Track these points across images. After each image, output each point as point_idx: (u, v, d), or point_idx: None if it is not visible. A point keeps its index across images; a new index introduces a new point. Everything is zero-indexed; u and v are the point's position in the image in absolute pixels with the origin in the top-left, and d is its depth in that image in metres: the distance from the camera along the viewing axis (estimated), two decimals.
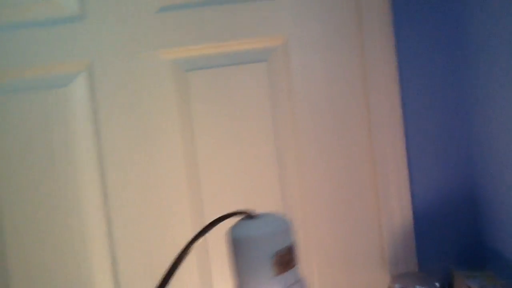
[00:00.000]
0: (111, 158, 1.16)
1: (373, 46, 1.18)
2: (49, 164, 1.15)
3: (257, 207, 1.12)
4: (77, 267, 1.16)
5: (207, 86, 1.18)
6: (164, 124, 1.17)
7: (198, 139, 1.18)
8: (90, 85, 1.16)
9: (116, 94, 1.16)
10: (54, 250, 1.16)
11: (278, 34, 1.18)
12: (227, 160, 1.19)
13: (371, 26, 1.18)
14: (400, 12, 1.18)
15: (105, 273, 1.17)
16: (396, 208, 1.21)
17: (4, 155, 1.15)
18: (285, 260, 0.49)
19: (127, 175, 1.16)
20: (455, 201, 1.22)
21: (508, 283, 1.06)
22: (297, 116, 1.20)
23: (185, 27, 1.16)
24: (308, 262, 1.21)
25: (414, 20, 1.19)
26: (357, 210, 1.22)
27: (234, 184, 1.19)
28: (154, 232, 1.17)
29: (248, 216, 0.51)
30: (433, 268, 1.21)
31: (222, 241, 1.08)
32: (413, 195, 1.21)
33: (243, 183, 1.19)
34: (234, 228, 0.50)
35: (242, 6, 1.17)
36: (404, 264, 1.21)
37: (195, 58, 1.18)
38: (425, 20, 1.19)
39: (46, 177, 1.15)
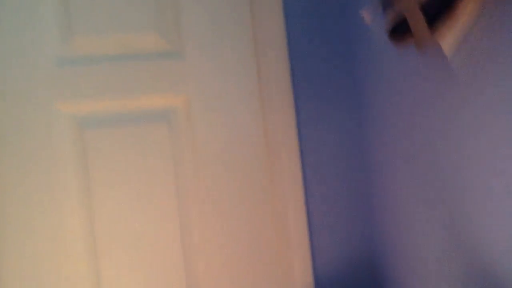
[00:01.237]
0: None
1: (273, 107, 1.20)
2: None
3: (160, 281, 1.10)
4: None
5: (107, 145, 1.14)
6: (61, 178, 1.12)
7: (95, 195, 1.13)
8: None
9: (9, 145, 1.09)
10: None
11: (181, 93, 1.17)
12: (127, 226, 1.14)
13: (270, 88, 1.20)
14: (299, 77, 1.22)
15: None
16: (298, 279, 1.20)
17: None
18: None
19: (23, 245, 1.09)
20: (355, 275, 1.23)
21: None
22: (200, 176, 1.18)
23: (87, 81, 1.13)
24: None
25: (313, 86, 1.22)
26: (260, 279, 1.20)
27: (134, 253, 1.14)
28: None
29: None
30: None
31: None
32: (315, 267, 1.21)
33: (144, 253, 1.14)
34: None
35: (144, 63, 1.15)
36: None
37: (95, 114, 1.14)
38: (324, 82, 1.22)
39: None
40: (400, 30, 0.78)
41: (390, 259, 1.18)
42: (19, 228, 1.09)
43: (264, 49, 1.21)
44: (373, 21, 1.03)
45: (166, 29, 1.17)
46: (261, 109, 1.20)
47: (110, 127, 1.14)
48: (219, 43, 1.19)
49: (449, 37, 0.72)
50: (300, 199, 1.20)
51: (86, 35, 1.13)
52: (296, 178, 1.21)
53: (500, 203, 0.74)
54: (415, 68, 0.93)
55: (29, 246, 1.09)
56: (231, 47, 1.19)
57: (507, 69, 0.68)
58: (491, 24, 0.70)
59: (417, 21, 0.74)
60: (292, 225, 1.19)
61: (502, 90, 0.69)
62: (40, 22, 1.11)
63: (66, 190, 1.11)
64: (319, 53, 1.23)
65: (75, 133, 1.13)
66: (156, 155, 1.16)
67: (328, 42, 1.23)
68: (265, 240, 1.20)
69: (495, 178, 0.74)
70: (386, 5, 0.80)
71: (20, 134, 1.10)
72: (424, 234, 1.01)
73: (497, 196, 0.74)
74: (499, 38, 0.69)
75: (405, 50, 0.94)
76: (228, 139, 1.19)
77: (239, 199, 1.19)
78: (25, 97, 1.10)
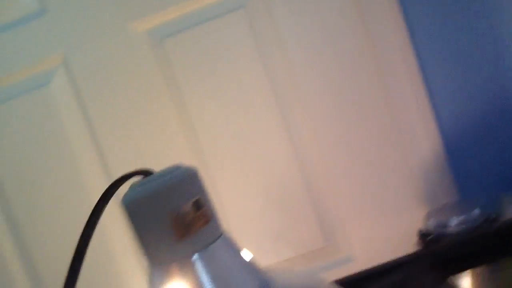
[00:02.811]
0: (106, 142, 1.12)
1: None
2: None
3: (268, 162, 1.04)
4: None
5: (188, 49, 1.10)
6: (153, 97, 1.11)
7: (190, 106, 1.11)
8: (69, 77, 1.12)
9: (96, 78, 1.11)
10: None
11: None
12: (226, 123, 1.11)
13: None
14: None
15: None
16: (422, 137, 1.06)
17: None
18: (189, 219, 0.40)
19: (125, 150, 1.11)
20: (488, 117, 1.04)
21: None
22: (293, 61, 1.08)
23: None
24: (338, 212, 1.10)
25: None
26: (379, 149, 1.08)
27: (236, 141, 1.11)
28: None
29: (145, 174, 0.43)
30: (476, 196, 1.05)
31: None
32: (439, 119, 1.06)
33: (250, 142, 1.11)
34: (125, 194, 0.42)
35: None
36: (443, 198, 1.07)
37: (168, 23, 1.10)
38: None
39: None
40: None
41: None
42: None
43: None
44: None
45: None
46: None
47: (189, 30, 1.09)
48: None
49: None
50: (407, 41, 1.05)
51: None
52: (401, 31, 1.05)
53: None
54: None
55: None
56: None
57: None
58: None
59: None
60: (402, 74, 1.05)
61: None
62: None
63: (163, 109, 1.10)
64: None
65: (155, 45, 1.09)
66: (239, 48, 1.09)
67: None
68: (376, 101, 1.07)
69: None
70: None
71: (105, 64, 1.09)
72: None
73: None
74: None
75: None
76: (317, 14, 1.06)
77: (340, 70, 1.07)
78: (98, 23, 1.08)
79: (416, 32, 1.04)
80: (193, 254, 0.40)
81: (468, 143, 1.05)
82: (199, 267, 0.40)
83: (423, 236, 0.95)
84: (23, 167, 1.14)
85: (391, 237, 1.08)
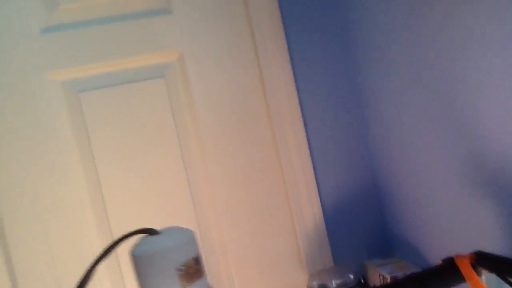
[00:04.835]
0: (6, 186, 1.09)
1: (266, 50, 1.21)
2: None
3: (169, 223, 1.11)
4: None
5: (103, 106, 1.15)
6: (61, 146, 1.12)
7: (98, 159, 1.14)
8: None
9: (8, 119, 1.09)
10: None
11: (173, 49, 1.18)
12: (132, 178, 1.16)
13: (262, 32, 1.21)
14: (289, 16, 1.23)
15: None
16: (307, 209, 1.25)
17: None
18: (192, 271, 0.50)
19: (22, 199, 1.10)
20: (360, 197, 1.29)
21: (414, 266, 1.14)
22: (201, 126, 1.19)
23: (74, 47, 1.12)
24: (227, 267, 1.21)
25: (304, 25, 1.24)
26: (270, 214, 1.24)
27: (142, 200, 1.16)
28: (62, 253, 1.11)
29: (151, 233, 0.51)
30: (347, 263, 1.27)
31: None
32: (321, 196, 1.27)
33: (151, 199, 1.17)
34: (137, 246, 0.50)
35: (133, 23, 1.15)
36: (321, 262, 1.26)
37: (87, 79, 1.14)
38: (315, 26, 1.25)
39: None
40: None
41: (389, 178, 1.23)
42: (25, 199, 1.10)
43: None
44: None
45: None
46: (255, 59, 1.22)
47: (105, 88, 1.15)
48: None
49: None
50: (302, 133, 1.24)
51: (70, 1, 1.12)
52: (297, 118, 1.24)
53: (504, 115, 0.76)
54: None
55: (36, 215, 1.10)
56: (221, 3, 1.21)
57: None
58: None
59: None
60: (295, 154, 1.23)
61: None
62: None
63: (69, 157, 1.12)
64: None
65: (70, 98, 1.13)
66: (153, 112, 1.17)
67: None
68: (270, 171, 1.24)
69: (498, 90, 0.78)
70: None
71: (14, 107, 1.09)
72: (423, 155, 1.04)
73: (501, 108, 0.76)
74: None
75: None
76: (225, 91, 1.21)
77: (241, 145, 1.22)
78: (14, 69, 1.09)
79: (307, 124, 1.26)
80: None
81: (343, 218, 1.28)
82: None
83: None
84: None
85: None
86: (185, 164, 1.20)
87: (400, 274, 1.12)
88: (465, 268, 0.68)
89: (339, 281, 1.11)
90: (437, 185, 1.02)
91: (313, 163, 1.26)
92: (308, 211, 1.25)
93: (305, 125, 1.25)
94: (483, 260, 0.70)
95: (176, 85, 1.20)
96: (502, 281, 0.68)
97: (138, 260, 0.49)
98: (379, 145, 1.24)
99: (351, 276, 1.12)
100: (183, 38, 1.18)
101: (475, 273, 0.68)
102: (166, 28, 1.18)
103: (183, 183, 1.20)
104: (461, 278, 0.71)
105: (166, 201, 1.19)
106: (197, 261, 0.51)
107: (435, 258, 1.07)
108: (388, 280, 1.12)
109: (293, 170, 1.24)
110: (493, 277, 0.71)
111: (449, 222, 1.01)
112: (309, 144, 1.25)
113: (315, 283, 1.13)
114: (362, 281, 1.16)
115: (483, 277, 0.72)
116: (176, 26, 1.18)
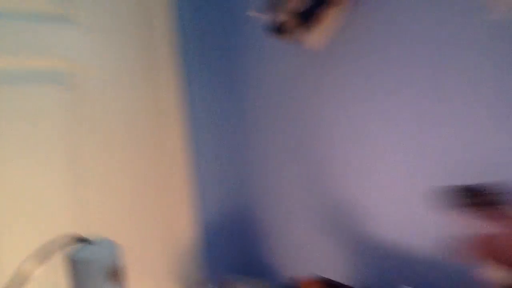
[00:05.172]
0: None
1: (161, 72, 1.33)
2: None
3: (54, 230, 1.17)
4: None
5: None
6: None
7: None
8: None
9: None
10: None
11: (68, 57, 1.20)
12: (19, 185, 1.15)
13: (161, 55, 1.33)
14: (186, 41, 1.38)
15: None
16: (185, 227, 1.41)
17: None
18: (117, 273, 0.66)
19: None
20: (229, 222, 1.50)
21: (271, 285, 1.38)
22: (96, 140, 1.25)
23: None
24: None
25: (201, 57, 1.40)
26: (148, 229, 1.36)
27: (29, 209, 1.16)
28: None
29: (83, 241, 0.67)
30: (215, 278, 1.46)
31: None
32: (202, 214, 1.44)
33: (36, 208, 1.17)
34: (76, 252, 0.65)
35: (25, 24, 1.14)
36: (194, 276, 1.43)
37: None
38: (209, 60, 1.43)
39: None
40: (281, 29, 1.10)
41: (255, 204, 1.46)
42: None
43: (154, 30, 1.34)
44: (258, 18, 1.32)
45: None
46: (151, 79, 1.32)
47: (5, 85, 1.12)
48: (112, 16, 1.27)
49: (316, 34, 1.08)
50: (187, 154, 1.38)
51: None
52: (182, 141, 1.37)
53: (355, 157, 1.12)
54: (288, 54, 1.25)
55: None
56: (123, 22, 1.29)
57: (356, 50, 1.06)
58: (345, 25, 1.08)
59: (293, 25, 1.07)
60: (176, 185, 1.37)
61: (351, 67, 1.08)
62: None
63: None
64: (206, 41, 1.42)
65: None
66: (46, 117, 1.18)
67: (213, 33, 1.44)
68: (150, 199, 1.35)
69: (352, 140, 1.12)
70: (270, 9, 1.11)
71: None
72: (287, 183, 1.34)
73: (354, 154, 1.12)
74: (348, 34, 1.07)
75: (282, 42, 1.23)
76: (117, 106, 1.28)
77: (130, 160, 1.31)
78: None
79: (195, 144, 1.41)
80: None
81: (217, 238, 1.47)
82: None
83: None
84: None
85: None
86: (68, 167, 1.22)
87: None
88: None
89: None
90: (294, 217, 1.31)
91: (197, 182, 1.41)
92: (184, 230, 1.40)
93: (192, 145, 1.39)
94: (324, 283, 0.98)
95: (64, 93, 1.21)
96: None
97: (77, 264, 0.64)
98: (255, 173, 1.47)
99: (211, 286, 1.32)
100: (78, 48, 1.22)
101: None
102: (62, 36, 1.19)
103: (65, 190, 1.22)
104: None
105: (51, 211, 1.20)
106: (121, 265, 0.68)
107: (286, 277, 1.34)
108: None
109: (173, 190, 1.38)
110: None
111: (299, 249, 1.30)
112: (194, 164, 1.40)
113: None
114: None
115: None
116: (72, 36, 1.21)
